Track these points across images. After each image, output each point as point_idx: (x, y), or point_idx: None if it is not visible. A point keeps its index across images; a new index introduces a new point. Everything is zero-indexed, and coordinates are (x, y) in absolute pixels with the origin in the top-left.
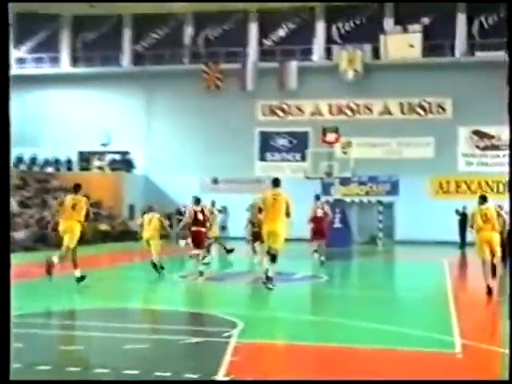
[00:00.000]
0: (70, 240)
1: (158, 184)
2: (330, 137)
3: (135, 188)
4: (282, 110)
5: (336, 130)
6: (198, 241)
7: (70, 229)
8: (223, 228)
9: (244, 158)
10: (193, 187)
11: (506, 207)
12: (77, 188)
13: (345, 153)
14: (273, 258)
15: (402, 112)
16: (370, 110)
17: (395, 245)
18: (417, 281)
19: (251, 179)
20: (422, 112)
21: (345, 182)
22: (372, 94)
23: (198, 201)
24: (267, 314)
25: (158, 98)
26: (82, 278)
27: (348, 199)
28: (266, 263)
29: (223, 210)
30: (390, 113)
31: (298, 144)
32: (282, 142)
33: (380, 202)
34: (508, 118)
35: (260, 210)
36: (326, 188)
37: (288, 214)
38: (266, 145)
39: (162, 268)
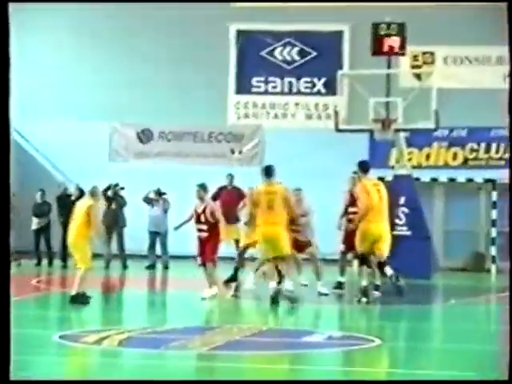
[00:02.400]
0: (274, 250)
1: (32, 142)
2: (390, 43)
3: None
4: None
5: (401, 30)
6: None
7: (277, 235)
8: (155, 235)
9: (205, 88)
10: (97, 148)
11: None
12: (270, 172)
13: (419, 78)
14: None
15: None
16: None
17: None
18: None
19: (220, 132)
20: None
21: (419, 139)
22: None
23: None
24: None
25: None
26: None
27: (426, 176)
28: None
29: (156, 200)
30: None
31: (321, 59)
32: (285, 53)
33: (493, 184)
34: (508, 118)
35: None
36: (379, 151)
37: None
38: (252, 59)
39: None
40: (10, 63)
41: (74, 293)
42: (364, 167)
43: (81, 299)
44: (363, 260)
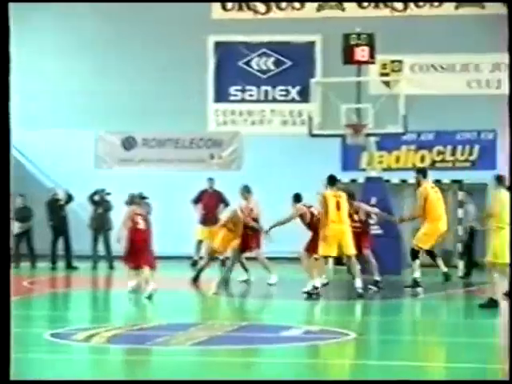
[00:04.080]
0: (346, 247)
1: (21, 150)
2: (360, 52)
3: None
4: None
5: (370, 40)
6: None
7: (343, 234)
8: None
9: (185, 97)
10: (84, 155)
11: None
12: (333, 181)
13: (388, 85)
14: None
15: (504, 2)
16: None
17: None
18: None
19: (200, 139)
20: None
21: (389, 143)
22: None
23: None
24: None
25: None
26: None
27: (395, 178)
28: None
29: (139, 204)
30: (479, 4)
31: (295, 68)
32: (261, 63)
33: (459, 184)
34: (508, 118)
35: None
36: (351, 155)
37: None
38: (230, 69)
39: None
40: (11, 64)
41: None
42: (424, 172)
43: None
44: (416, 254)
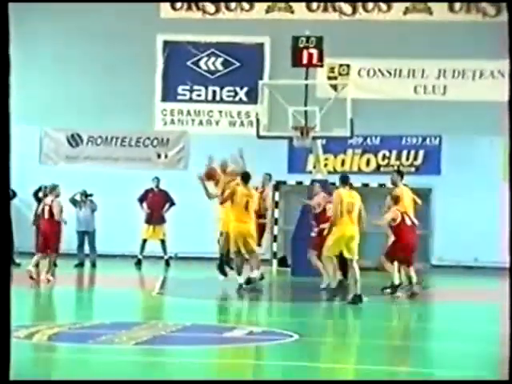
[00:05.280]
0: (248, 246)
1: None
2: (308, 55)
3: None
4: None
5: (319, 43)
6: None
7: (248, 232)
8: (83, 235)
9: (133, 95)
10: (28, 151)
11: None
12: (247, 178)
13: (335, 88)
14: None
15: (452, 9)
16: (386, 3)
17: (433, 272)
18: (480, 346)
19: (147, 138)
20: (491, 11)
21: (335, 146)
22: None
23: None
24: None
25: None
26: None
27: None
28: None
29: (83, 201)
30: (427, 10)
31: (243, 69)
32: (209, 63)
33: None
34: (508, 118)
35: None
36: (298, 157)
37: None
38: (178, 69)
39: None
40: (10, 63)
41: None
42: (402, 174)
43: None
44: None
